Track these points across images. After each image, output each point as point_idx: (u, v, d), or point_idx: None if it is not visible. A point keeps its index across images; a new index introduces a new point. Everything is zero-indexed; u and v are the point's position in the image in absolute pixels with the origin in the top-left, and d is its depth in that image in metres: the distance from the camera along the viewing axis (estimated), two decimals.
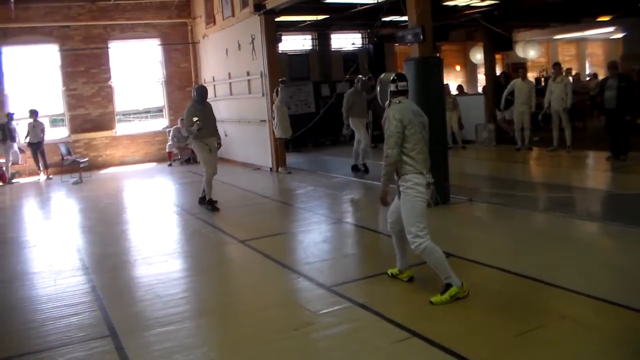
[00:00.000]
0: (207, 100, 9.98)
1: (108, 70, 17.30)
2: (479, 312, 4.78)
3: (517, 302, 4.93)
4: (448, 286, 5.04)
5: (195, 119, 9.24)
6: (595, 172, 11.55)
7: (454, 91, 17.92)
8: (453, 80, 22.15)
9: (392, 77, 5.31)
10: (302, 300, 5.47)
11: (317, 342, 4.47)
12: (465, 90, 19.49)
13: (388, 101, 5.30)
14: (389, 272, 5.75)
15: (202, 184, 9.98)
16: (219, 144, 9.90)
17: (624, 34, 21.55)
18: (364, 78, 13.12)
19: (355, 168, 12.59)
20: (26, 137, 15.24)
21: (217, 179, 10.17)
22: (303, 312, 5.12)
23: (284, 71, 16.30)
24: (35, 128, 15.19)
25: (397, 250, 5.65)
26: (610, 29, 22.52)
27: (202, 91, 9.84)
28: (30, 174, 15.96)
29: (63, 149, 15.52)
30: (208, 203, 9.81)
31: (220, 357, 4.45)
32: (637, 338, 4.17)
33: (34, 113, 15.18)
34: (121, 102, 17.87)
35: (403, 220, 5.21)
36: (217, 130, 9.91)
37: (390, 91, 5.28)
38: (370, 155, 12.83)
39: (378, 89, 5.47)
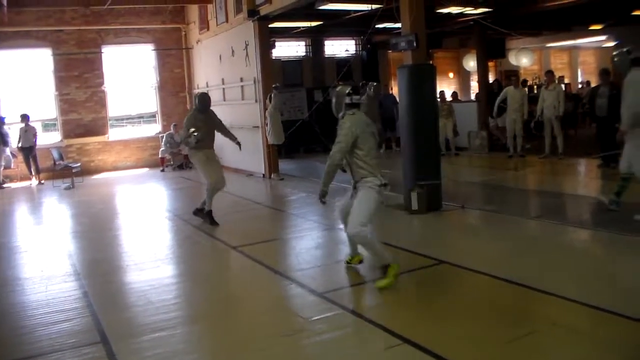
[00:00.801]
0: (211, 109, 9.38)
1: (101, 75, 17.28)
2: (470, 319, 4.78)
3: (508, 309, 4.94)
4: (386, 267, 5.63)
5: (192, 130, 8.64)
6: (587, 179, 11.60)
7: (449, 98, 17.94)
8: (447, 87, 22.21)
9: (347, 91, 5.84)
10: (294, 307, 5.47)
11: (309, 349, 4.47)
12: (459, 98, 19.53)
13: (343, 112, 5.80)
14: (346, 261, 6.41)
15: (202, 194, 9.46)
16: (239, 144, 9.42)
17: (615, 43, 21.64)
18: (375, 83, 12.89)
19: None
20: (18, 141, 15.20)
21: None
22: (295, 318, 5.12)
23: (277, 77, 16.33)
24: (27, 132, 15.16)
25: (349, 240, 6.21)
26: (602, 37, 22.64)
27: (204, 99, 9.16)
28: (22, 178, 15.90)
29: (55, 154, 15.47)
30: (207, 215, 9.19)
31: None
32: (628, 345, 4.18)
33: (25, 117, 15.14)
34: (114, 107, 17.84)
35: (353, 210, 5.67)
36: (225, 136, 9.47)
37: (346, 104, 5.80)
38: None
39: (334, 100, 5.93)
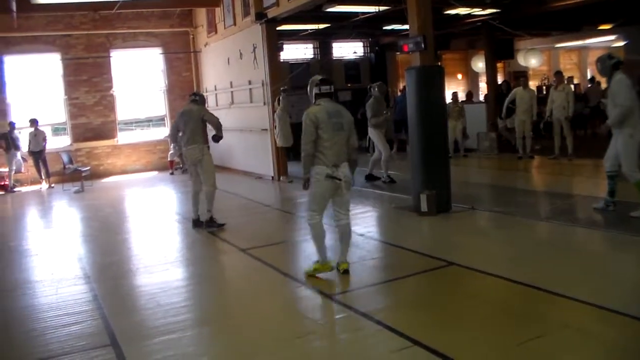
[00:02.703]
0: (199, 107, 9.04)
1: (110, 79, 17.37)
2: (480, 321, 4.76)
3: (518, 311, 4.92)
4: (316, 262, 6.17)
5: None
6: (597, 180, 11.52)
7: (462, 98, 17.88)
8: (455, 88, 22.16)
9: (317, 81, 6.04)
10: (304, 309, 5.47)
11: (319, 351, 4.46)
12: (473, 99, 19.45)
13: (313, 101, 6.04)
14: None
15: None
16: (217, 138, 8.99)
17: (625, 42, 21.57)
18: (379, 82, 12.77)
19: (370, 177, 12.46)
20: (28, 146, 15.27)
21: (219, 188, 9.90)
22: (304, 320, 5.12)
23: (285, 80, 16.32)
24: (37, 137, 15.23)
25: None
26: (612, 37, 22.55)
27: (192, 95, 9.26)
28: (32, 182, 15.98)
29: (65, 158, 15.54)
30: (193, 223, 9.20)
31: None
32: (639, 346, 4.15)
33: (34, 122, 15.21)
34: (123, 111, 17.93)
35: None
36: (198, 137, 8.80)
37: (315, 93, 6.02)
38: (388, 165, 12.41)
39: (308, 88, 6.13)
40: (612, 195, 8.12)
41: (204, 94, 10.56)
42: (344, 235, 6.21)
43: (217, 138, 9.03)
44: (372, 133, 12.10)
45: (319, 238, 6.14)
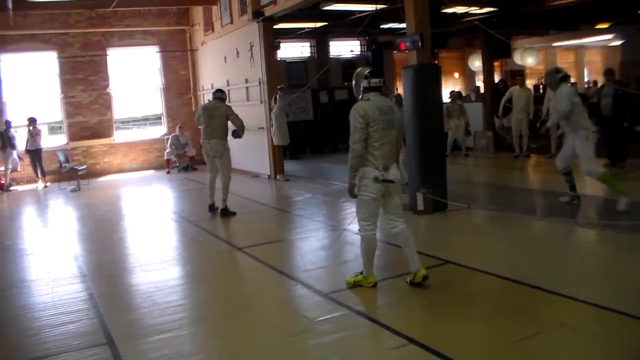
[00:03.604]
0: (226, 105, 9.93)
1: (106, 78, 17.33)
2: (477, 319, 4.76)
3: (515, 309, 4.92)
4: (360, 273, 5.72)
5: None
6: (593, 179, 11.53)
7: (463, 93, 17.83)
8: (452, 87, 22.17)
9: (365, 73, 5.47)
10: (300, 308, 5.46)
11: (315, 350, 4.46)
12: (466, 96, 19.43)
13: (360, 96, 5.49)
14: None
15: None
16: (237, 135, 9.65)
17: (622, 41, 21.58)
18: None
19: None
20: (26, 144, 15.22)
21: (217, 187, 10.09)
22: (301, 319, 5.11)
23: (282, 78, 16.33)
24: (35, 135, 15.18)
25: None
26: (609, 36, 22.54)
27: (215, 91, 10.02)
28: (28, 181, 15.94)
29: (61, 157, 15.50)
30: (209, 208, 9.97)
31: None
32: (636, 345, 4.15)
33: (32, 121, 15.17)
34: (119, 110, 17.89)
35: None
36: (221, 132, 9.59)
37: (363, 87, 5.47)
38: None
39: (354, 82, 5.62)
40: (573, 190, 8.83)
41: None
42: (407, 240, 5.58)
43: (237, 136, 9.70)
44: None
45: (369, 253, 5.61)
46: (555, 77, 8.60)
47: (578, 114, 8.33)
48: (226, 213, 9.76)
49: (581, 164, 8.44)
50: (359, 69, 5.62)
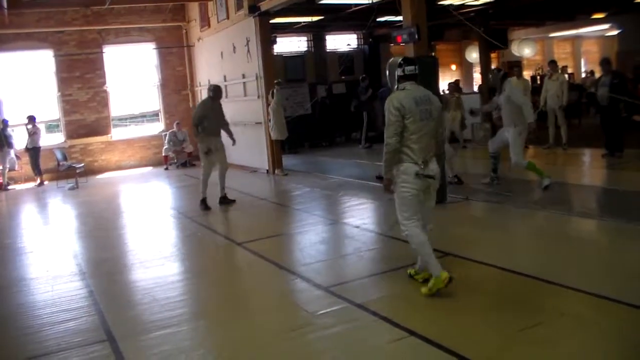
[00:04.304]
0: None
1: (103, 75, 17.27)
2: (477, 310, 4.77)
3: (515, 300, 4.92)
4: (430, 277, 5.14)
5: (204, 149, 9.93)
6: (592, 169, 11.56)
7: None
8: (449, 79, 22.14)
9: (399, 62, 5.18)
10: (300, 302, 5.46)
11: (315, 343, 4.46)
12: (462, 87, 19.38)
13: (395, 86, 5.20)
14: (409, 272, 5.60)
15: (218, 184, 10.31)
16: (233, 139, 10.45)
17: (618, 31, 21.57)
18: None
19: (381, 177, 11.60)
20: (27, 143, 15.18)
21: (213, 181, 10.17)
22: (301, 313, 5.11)
23: (279, 73, 16.30)
24: (33, 134, 15.15)
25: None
26: (605, 26, 22.53)
27: (217, 90, 10.28)
28: (26, 180, 15.90)
29: (59, 155, 15.47)
30: (200, 202, 10.08)
31: (218, 359, 4.43)
32: (635, 334, 4.16)
33: (31, 119, 15.14)
34: (117, 107, 17.83)
35: None
36: (223, 129, 10.31)
37: (397, 76, 5.17)
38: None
39: (387, 72, 5.37)
40: (495, 172, 9.83)
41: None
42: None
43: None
44: None
45: (424, 245, 5.14)
46: (497, 76, 9.49)
47: (517, 111, 9.07)
48: (227, 201, 10.20)
49: (511, 155, 9.30)
50: (392, 59, 5.36)
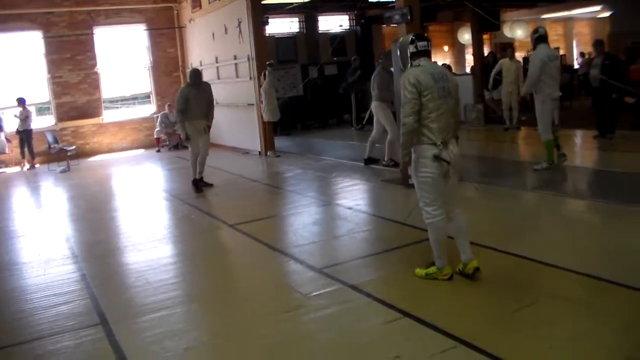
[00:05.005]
0: (207, 82, 10.42)
1: (94, 57, 17.12)
2: (470, 291, 4.79)
3: (508, 281, 4.94)
4: (432, 264, 5.08)
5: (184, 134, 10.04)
6: (583, 150, 11.58)
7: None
8: (441, 60, 22.09)
9: (410, 38, 4.96)
10: (293, 283, 5.46)
11: (309, 324, 4.47)
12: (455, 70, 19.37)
13: (409, 64, 4.97)
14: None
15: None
16: (208, 126, 10.04)
17: (610, 13, 21.54)
18: (386, 52, 12.06)
19: (369, 161, 11.01)
20: (18, 125, 15.06)
21: (207, 163, 10.16)
22: (294, 294, 5.12)
23: (271, 54, 16.21)
24: (27, 118, 15.03)
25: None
26: (597, 7, 22.50)
27: (194, 74, 10.11)
28: (17, 163, 15.79)
29: (50, 137, 15.38)
30: (192, 183, 10.14)
31: (212, 341, 4.44)
32: (628, 314, 4.18)
33: (21, 101, 15.01)
34: (108, 89, 17.71)
35: None
36: (209, 112, 10.06)
37: (410, 53, 4.93)
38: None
39: (398, 53, 5.21)
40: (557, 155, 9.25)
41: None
42: (461, 230, 5.04)
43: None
44: (377, 108, 10.62)
45: (440, 242, 4.96)
46: (532, 36, 9.04)
47: (542, 79, 8.69)
48: (203, 184, 10.27)
49: (538, 124, 9.09)
50: (401, 38, 5.12)
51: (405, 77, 4.80)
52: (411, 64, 4.95)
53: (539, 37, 8.88)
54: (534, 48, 8.97)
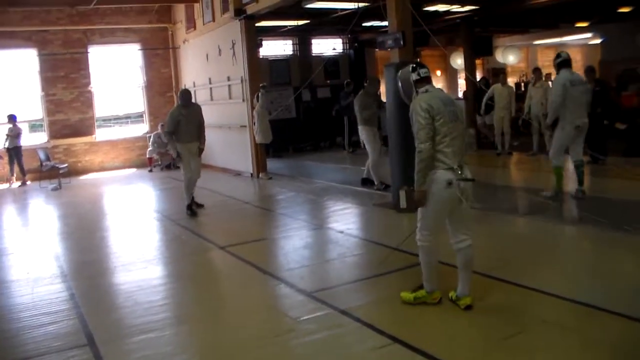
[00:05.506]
0: (197, 103, 10.51)
1: (88, 75, 17.16)
2: (460, 318, 4.77)
3: (498, 308, 4.93)
4: (419, 287, 5.07)
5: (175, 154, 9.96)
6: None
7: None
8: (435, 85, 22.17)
9: (411, 67, 4.99)
10: (283, 307, 5.44)
11: (298, 349, 4.45)
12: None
13: (415, 92, 4.97)
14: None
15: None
16: (201, 149, 9.90)
17: (602, 40, 21.75)
18: (372, 76, 12.27)
19: (366, 181, 11.02)
20: (5, 141, 15.02)
21: (198, 185, 10.13)
22: (284, 318, 5.09)
23: (264, 76, 16.28)
24: (19, 135, 14.99)
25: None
26: (589, 34, 22.72)
27: (185, 95, 9.96)
28: (7, 180, 15.70)
29: (42, 155, 15.34)
30: (187, 208, 9.91)
31: None
32: (617, 341, 4.18)
33: (12, 118, 14.99)
34: (101, 108, 17.73)
35: None
36: (201, 134, 9.89)
37: (413, 81, 4.95)
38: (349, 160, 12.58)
39: (400, 84, 5.24)
40: (580, 184, 8.95)
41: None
42: (466, 261, 4.98)
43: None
44: (362, 132, 10.87)
45: (430, 265, 4.98)
46: (555, 61, 8.85)
47: (566, 104, 8.41)
48: (196, 206, 10.14)
49: (550, 148, 9.00)
50: (402, 70, 5.18)
51: (417, 103, 4.79)
52: (417, 92, 4.95)
53: (562, 62, 8.70)
54: (558, 73, 8.81)
